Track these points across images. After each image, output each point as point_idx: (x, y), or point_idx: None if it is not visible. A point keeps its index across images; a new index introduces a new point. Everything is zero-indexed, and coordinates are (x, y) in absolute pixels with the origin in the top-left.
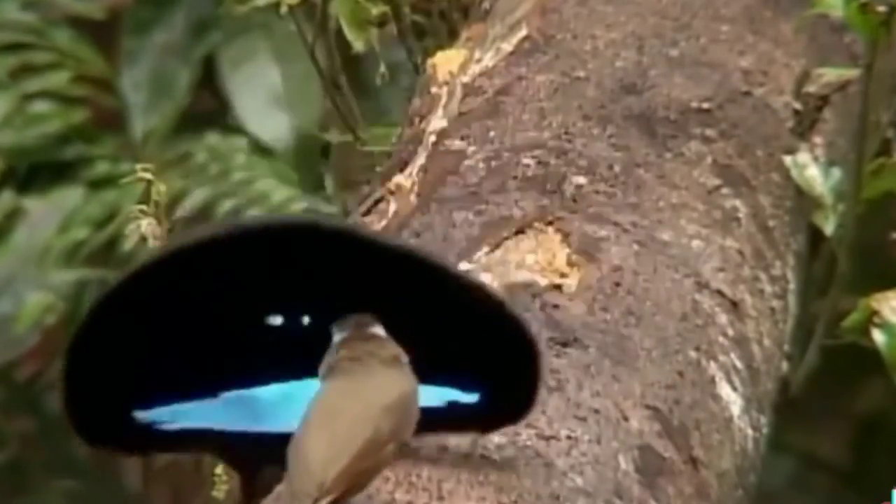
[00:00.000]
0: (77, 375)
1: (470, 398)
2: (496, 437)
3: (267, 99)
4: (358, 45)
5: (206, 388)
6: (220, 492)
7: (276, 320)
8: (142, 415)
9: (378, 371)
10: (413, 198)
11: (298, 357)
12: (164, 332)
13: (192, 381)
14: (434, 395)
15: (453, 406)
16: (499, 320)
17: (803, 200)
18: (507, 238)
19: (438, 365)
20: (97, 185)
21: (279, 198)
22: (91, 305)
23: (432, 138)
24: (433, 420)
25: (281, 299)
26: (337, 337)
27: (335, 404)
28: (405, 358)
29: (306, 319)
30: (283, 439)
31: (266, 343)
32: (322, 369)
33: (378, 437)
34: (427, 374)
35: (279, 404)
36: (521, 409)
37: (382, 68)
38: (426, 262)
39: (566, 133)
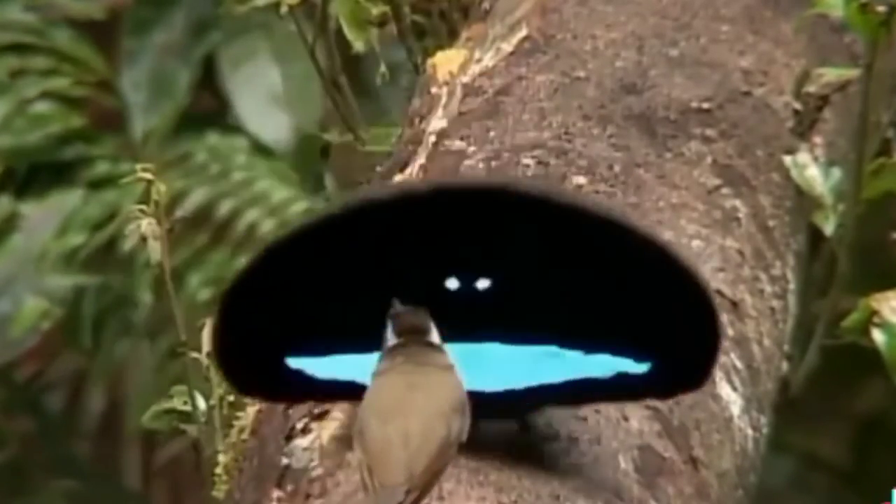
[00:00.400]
0: (231, 323)
1: (640, 368)
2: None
3: (267, 99)
4: (358, 45)
5: (367, 344)
6: (219, 491)
7: (453, 283)
8: (294, 361)
9: (435, 373)
10: None
11: (470, 321)
12: (333, 285)
13: (355, 337)
14: (601, 365)
15: (622, 377)
16: (678, 284)
17: (803, 200)
18: None
19: (608, 333)
20: (97, 185)
21: (279, 198)
22: (257, 252)
23: (432, 138)
24: (599, 390)
25: (458, 262)
26: (392, 341)
27: (402, 400)
28: (454, 364)
29: (483, 283)
30: None
31: (440, 306)
32: (377, 368)
33: (450, 437)
34: (595, 342)
35: None
36: (696, 378)
37: (382, 68)
38: (606, 219)
39: (566, 133)
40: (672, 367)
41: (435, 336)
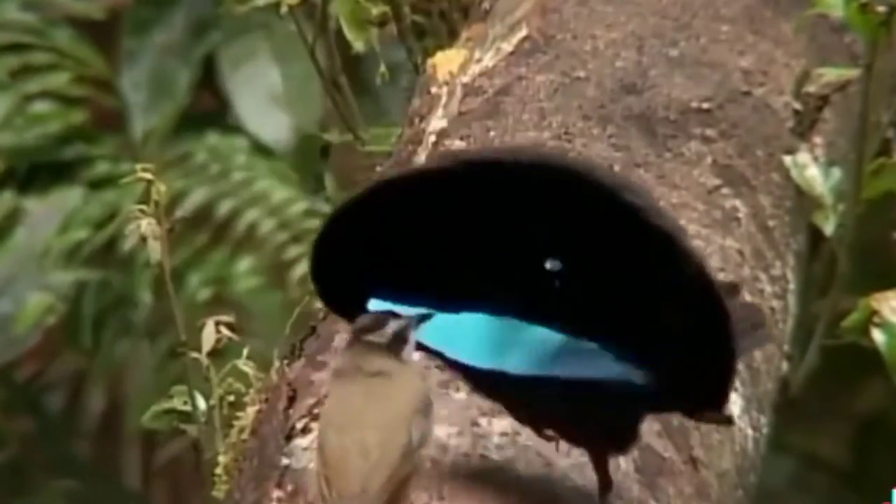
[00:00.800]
0: (329, 251)
1: (642, 379)
2: (496, 438)
3: (267, 99)
4: (358, 45)
5: (441, 302)
6: (220, 491)
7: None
8: (375, 304)
9: (395, 376)
10: None
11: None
12: (421, 237)
13: (432, 293)
14: (608, 367)
15: (623, 384)
16: (701, 305)
17: (803, 200)
18: None
19: (625, 334)
20: (97, 185)
21: (279, 198)
22: (361, 192)
23: (432, 138)
24: (599, 394)
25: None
26: (350, 341)
27: (360, 410)
28: (416, 364)
29: (553, 265)
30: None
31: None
32: (335, 366)
33: (411, 444)
34: (609, 341)
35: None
36: (707, 402)
37: (382, 68)
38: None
39: (566, 133)
40: (684, 385)
41: (384, 339)
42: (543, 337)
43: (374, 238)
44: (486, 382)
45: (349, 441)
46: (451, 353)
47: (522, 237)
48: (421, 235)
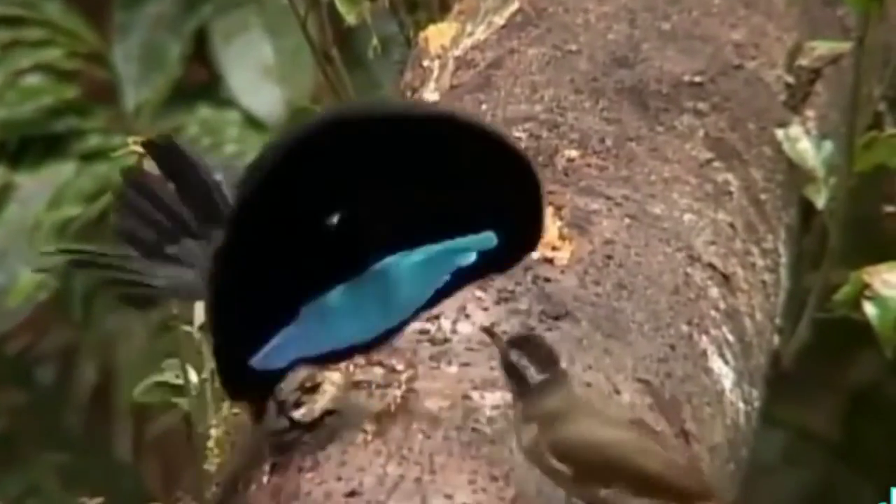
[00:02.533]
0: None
1: (492, 244)
2: (488, 411)
3: (259, 72)
4: (350, 19)
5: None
6: (212, 464)
7: (332, 220)
8: (256, 361)
9: None
10: None
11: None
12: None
13: (279, 305)
14: (467, 247)
15: (483, 255)
16: (503, 160)
17: (795, 174)
18: None
19: (466, 221)
20: (89, 157)
21: None
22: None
23: None
24: (465, 275)
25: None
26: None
27: None
28: None
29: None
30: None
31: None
32: None
33: None
34: (457, 230)
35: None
36: (532, 242)
37: (374, 41)
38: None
39: (558, 106)
40: (513, 237)
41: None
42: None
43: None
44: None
45: None
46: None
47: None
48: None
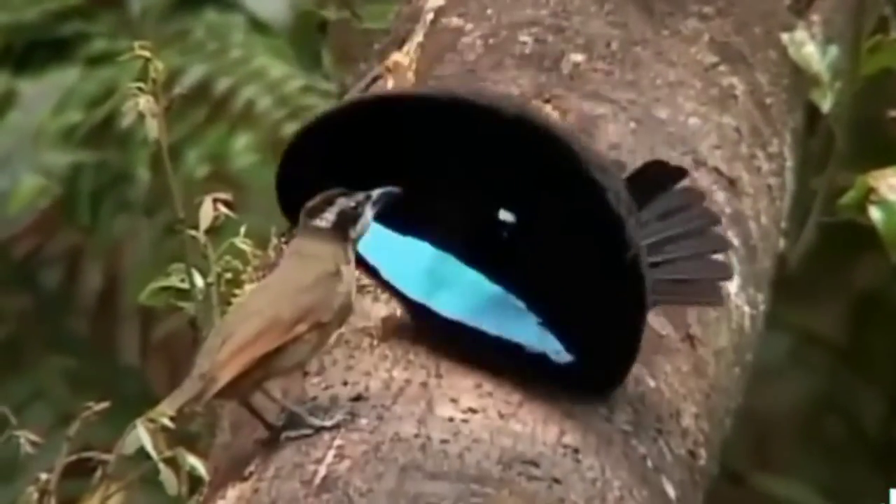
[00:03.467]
0: (293, 166)
1: (557, 356)
2: None
3: None
4: None
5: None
6: None
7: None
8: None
9: (307, 259)
10: (411, 75)
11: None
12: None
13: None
14: (536, 338)
15: (542, 358)
16: (628, 295)
17: (800, 78)
18: None
19: (554, 303)
20: (95, 62)
21: (276, 74)
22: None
23: (430, 16)
24: (521, 358)
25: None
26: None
27: (248, 299)
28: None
29: (505, 216)
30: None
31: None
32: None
33: (279, 319)
34: (539, 304)
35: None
36: (607, 384)
37: None
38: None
39: (564, 10)
40: (590, 367)
41: (326, 218)
42: (476, 284)
43: (339, 155)
44: (411, 309)
45: (223, 324)
46: (385, 273)
47: (484, 182)
48: (385, 157)
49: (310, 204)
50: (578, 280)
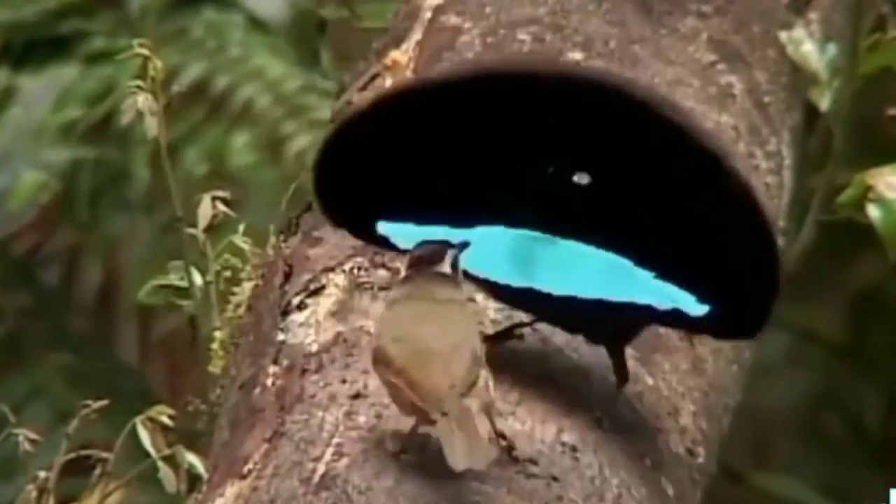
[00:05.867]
0: (332, 166)
1: (699, 310)
2: (491, 313)
3: None
4: None
5: (452, 220)
6: (216, 367)
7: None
8: (383, 227)
9: (448, 306)
10: (409, 74)
11: (557, 212)
12: (427, 155)
13: (442, 212)
14: (663, 295)
15: (677, 313)
16: (747, 228)
17: (799, 76)
18: None
19: (680, 262)
20: (94, 59)
21: (275, 73)
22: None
23: (428, 14)
24: (652, 318)
25: (556, 152)
26: (404, 273)
27: (417, 328)
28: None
29: (582, 178)
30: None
31: (534, 192)
32: (388, 297)
33: (477, 352)
34: (666, 268)
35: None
36: (746, 330)
37: None
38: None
39: (562, 9)
40: (729, 312)
41: (448, 268)
42: (574, 253)
43: (380, 151)
44: (514, 298)
45: (418, 347)
46: (474, 271)
47: (545, 150)
48: (429, 148)
49: (421, 253)
50: (687, 226)
